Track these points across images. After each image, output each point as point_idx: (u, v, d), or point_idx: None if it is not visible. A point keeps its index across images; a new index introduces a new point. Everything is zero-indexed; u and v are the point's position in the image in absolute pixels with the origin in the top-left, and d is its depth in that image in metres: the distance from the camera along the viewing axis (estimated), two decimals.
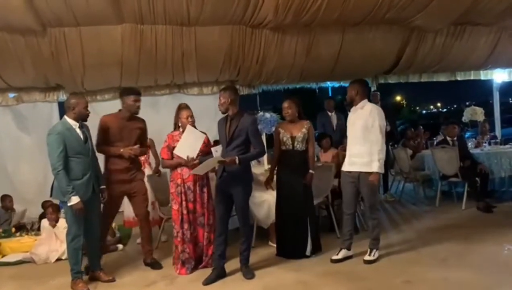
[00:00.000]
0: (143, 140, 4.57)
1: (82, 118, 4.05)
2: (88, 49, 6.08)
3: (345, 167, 4.38)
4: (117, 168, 4.36)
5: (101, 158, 4.42)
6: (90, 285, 4.08)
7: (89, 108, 4.14)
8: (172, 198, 4.34)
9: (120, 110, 4.45)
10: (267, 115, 5.93)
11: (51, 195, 4.18)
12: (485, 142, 7.14)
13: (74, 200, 3.85)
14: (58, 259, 4.93)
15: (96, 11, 5.55)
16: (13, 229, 5.70)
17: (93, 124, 4.31)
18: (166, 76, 6.97)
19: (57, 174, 3.84)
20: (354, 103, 4.32)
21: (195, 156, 4.24)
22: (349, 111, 4.51)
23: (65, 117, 4.04)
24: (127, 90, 4.54)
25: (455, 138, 6.63)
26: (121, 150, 4.31)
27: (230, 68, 7.04)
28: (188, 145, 4.22)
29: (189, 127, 4.24)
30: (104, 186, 4.27)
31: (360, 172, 4.23)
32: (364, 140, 4.20)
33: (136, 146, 4.39)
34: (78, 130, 4.00)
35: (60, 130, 3.91)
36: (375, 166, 4.14)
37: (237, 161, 3.93)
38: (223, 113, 4.13)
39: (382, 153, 4.17)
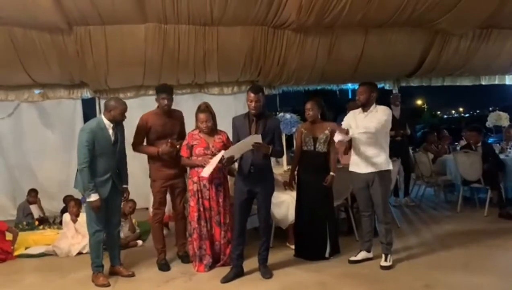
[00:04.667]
0: (182, 132, 4.61)
1: (116, 122, 4.09)
2: (112, 48, 6.18)
3: (361, 169, 4.27)
4: (161, 164, 4.41)
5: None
6: (110, 279, 4.14)
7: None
8: (190, 195, 4.38)
9: (157, 107, 4.49)
10: (287, 116, 5.95)
11: (74, 186, 4.27)
12: (510, 148, 7.00)
13: (93, 197, 3.95)
14: (79, 253, 5.02)
15: (120, 10, 5.66)
16: (36, 222, 5.83)
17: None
18: (188, 75, 7.02)
19: (82, 170, 3.93)
20: (367, 105, 4.27)
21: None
22: (349, 111, 4.54)
23: (101, 115, 4.13)
24: (158, 88, 4.56)
25: (479, 144, 6.48)
26: (159, 150, 4.32)
27: (251, 68, 7.06)
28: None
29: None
30: (126, 185, 4.33)
31: (379, 171, 4.18)
32: (380, 141, 4.21)
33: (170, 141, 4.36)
34: (110, 131, 4.05)
35: (92, 129, 3.99)
36: (390, 164, 4.25)
37: (270, 150, 3.96)
38: (255, 115, 4.03)
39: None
